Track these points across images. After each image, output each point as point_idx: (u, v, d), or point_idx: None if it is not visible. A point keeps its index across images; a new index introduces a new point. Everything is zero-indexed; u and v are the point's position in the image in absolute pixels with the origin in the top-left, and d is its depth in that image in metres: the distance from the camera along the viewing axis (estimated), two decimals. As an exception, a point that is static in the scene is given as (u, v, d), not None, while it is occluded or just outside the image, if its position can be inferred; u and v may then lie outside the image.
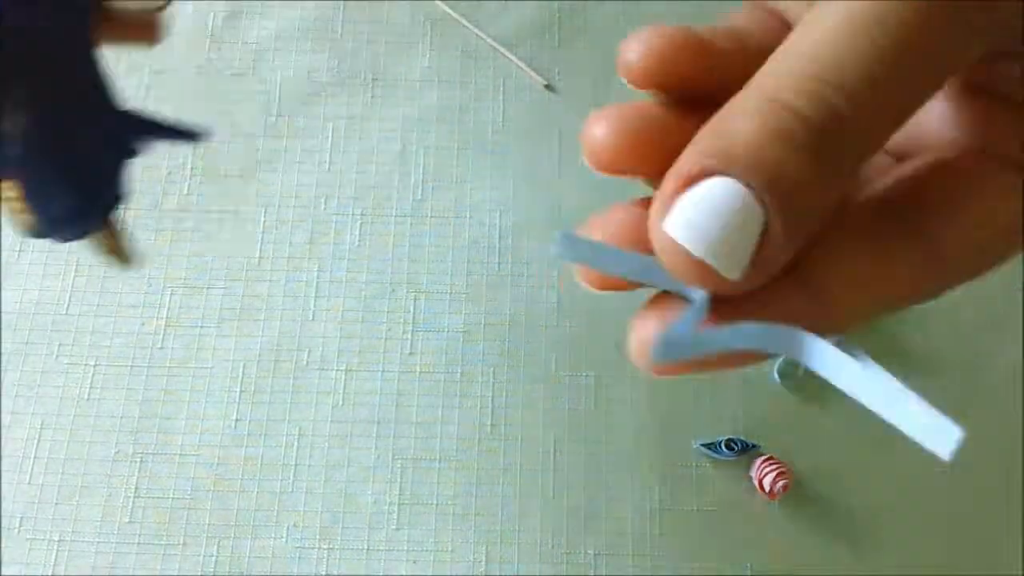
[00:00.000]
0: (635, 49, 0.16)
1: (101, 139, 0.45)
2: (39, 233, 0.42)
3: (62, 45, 0.44)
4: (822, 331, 0.14)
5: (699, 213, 0.13)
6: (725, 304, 0.14)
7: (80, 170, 0.45)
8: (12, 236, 0.53)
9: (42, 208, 0.42)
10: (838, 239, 0.15)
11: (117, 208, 0.45)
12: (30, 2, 0.43)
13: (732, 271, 0.13)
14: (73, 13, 0.44)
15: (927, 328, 0.53)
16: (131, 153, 0.45)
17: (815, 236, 0.15)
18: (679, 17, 0.59)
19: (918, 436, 0.14)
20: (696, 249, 0.13)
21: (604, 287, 0.16)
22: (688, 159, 0.14)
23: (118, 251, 0.45)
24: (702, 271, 0.14)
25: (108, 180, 0.45)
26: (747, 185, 0.13)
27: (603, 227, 0.17)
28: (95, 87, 0.44)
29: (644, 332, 0.15)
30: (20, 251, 0.53)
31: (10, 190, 0.40)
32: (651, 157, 0.16)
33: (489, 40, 0.59)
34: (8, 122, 0.40)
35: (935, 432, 0.13)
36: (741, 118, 0.14)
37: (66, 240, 0.43)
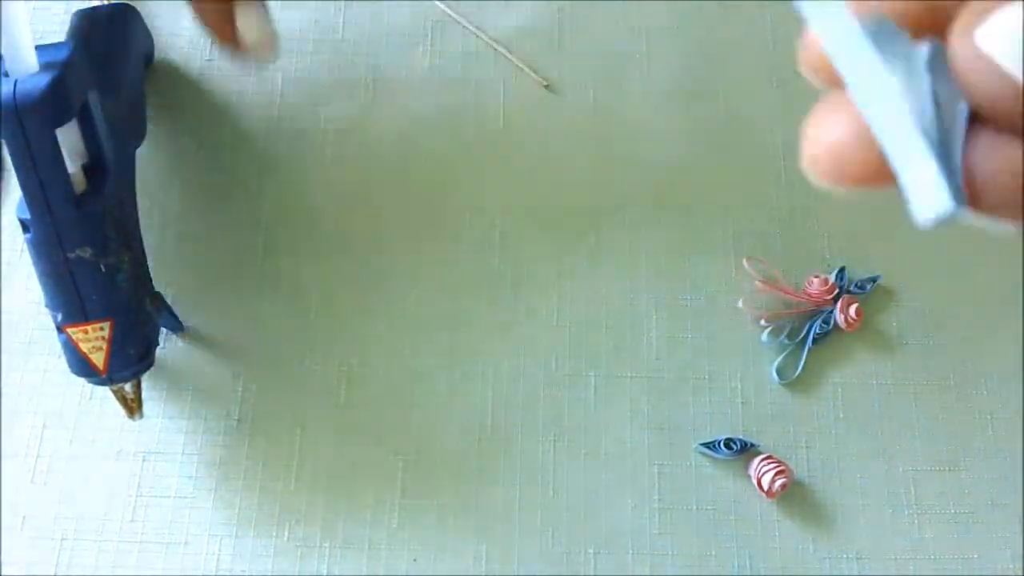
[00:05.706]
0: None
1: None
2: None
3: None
4: None
5: None
6: None
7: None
8: (13, 235, 0.53)
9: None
10: None
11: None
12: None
13: None
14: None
15: (926, 326, 0.53)
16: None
17: None
18: (680, 19, 0.59)
19: (910, 188, 0.12)
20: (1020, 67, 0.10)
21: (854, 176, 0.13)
22: None
23: (138, 402, 0.48)
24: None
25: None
26: None
27: None
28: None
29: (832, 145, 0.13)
30: (22, 251, 0.54)
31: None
32: None
33: (489, 40, 0.59)
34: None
35: (927, 190, 0.12)
36: None
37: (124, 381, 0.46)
